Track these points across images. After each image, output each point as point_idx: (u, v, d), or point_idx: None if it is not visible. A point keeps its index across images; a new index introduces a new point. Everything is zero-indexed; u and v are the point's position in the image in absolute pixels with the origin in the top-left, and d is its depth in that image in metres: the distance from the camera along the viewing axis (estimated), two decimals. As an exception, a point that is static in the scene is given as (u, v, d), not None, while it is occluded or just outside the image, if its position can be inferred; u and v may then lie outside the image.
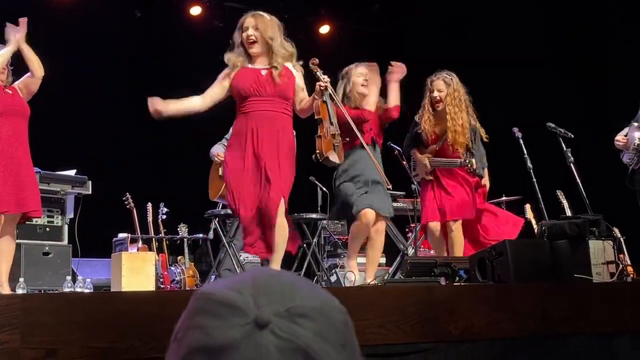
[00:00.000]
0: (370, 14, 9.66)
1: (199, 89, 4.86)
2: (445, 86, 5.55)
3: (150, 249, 6.77)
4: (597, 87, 8.33)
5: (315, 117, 4.66)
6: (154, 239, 7.07)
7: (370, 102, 5.30)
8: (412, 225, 7.13)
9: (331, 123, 4.60)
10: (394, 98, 5.35)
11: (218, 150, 6.22)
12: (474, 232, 5.67)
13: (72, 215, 6.22)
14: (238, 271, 6.03)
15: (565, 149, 5.72)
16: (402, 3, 9.34)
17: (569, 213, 6.49)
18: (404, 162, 6.81)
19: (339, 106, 4.88)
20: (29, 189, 4.81)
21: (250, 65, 4.52)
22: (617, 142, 6.06)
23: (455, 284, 4.27)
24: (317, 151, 4.68)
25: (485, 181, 5.76)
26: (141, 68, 8.44)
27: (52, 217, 6.13)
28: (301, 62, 4.64)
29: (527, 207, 7.10)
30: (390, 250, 7.30)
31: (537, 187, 5.67)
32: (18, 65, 5.06)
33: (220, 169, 5.97)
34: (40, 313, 2.58)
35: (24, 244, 5.74)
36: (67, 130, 7.85)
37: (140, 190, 7.15)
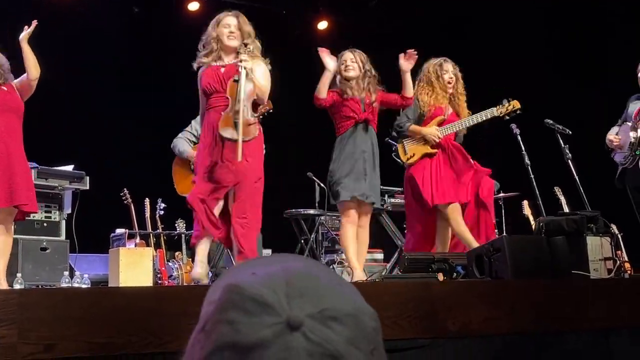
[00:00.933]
0: (369, 9, 9.64)
1: (196, 85, 4.88)
2: (453, 68, 5.71)
3: (147, 245, 6.77)
4: (597, 86, 8.32)
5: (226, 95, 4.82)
6: (151, 234, 7.06)
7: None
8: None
9: (238, 101, 4.68)
10: (409, 87, 5.42)
11: (185, 149, 6.29)
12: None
13: (69, 211, 6.22)
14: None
15: (563, 145, 5.72)
16: (402, 3, 9.33)
17: (566, 209, 6.49)
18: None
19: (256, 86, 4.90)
20: (22, 183, 4.81)
21: (214, 63, 4.82)
22: (611, 142, 6.08)
23: (453, 280, 4.28)
24: None
25: None
26: (138, 63, 8.44)
27: (50, 212, 6.12)
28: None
29: (525, 203, 7.09)
30: (388, 246, 7.31)
31: (534, 183, 5.67)
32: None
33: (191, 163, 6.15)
34: (38, 308, 2.58)
35: (22, 239, 5.74)
36: (65, 126, 7.84)
37: (138, 186, 7.15)
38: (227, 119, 4.75)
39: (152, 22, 8.73)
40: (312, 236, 6.70)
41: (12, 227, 4.97)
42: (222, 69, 4.81)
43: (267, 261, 0.80)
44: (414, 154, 5.62)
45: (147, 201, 7.22)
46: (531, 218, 6.89)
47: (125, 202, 7.09)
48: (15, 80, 5.04)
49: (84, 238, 6.14)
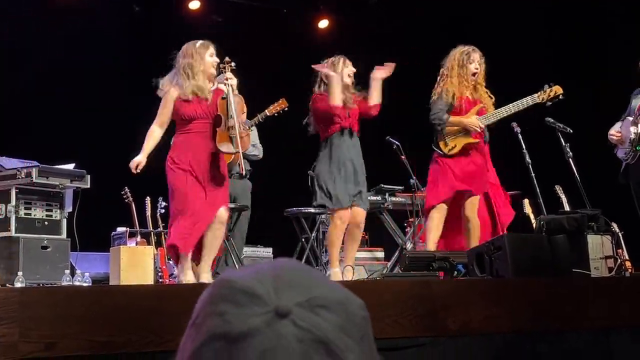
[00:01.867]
0: (369, 8, 9.63)
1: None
2: (480, 58, 5.66)
3: (148, 243, 6.78)
4: (597, 86, 8.32)
5: (217, 113, 4.99)
6: (152, 233, 7.07)
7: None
8: (410, 219, 7.14)
9: (230, 117, 4.89)
10: (377, 96, 5.44)
11: None
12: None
13: (70, 209, 6.21)
14: (237, 267, 6.04)
15: (564, 144, 5.72)
16: (402, 2, 9.32)
17: (567, 208, 6.49)
18: (403, 157, 6.82)
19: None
20: None
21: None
22: (612, 137, 6.07)
23: (453, 278, 4.28)
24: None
25: None
26: (139, 62, 8.43)
27: (51, 211, 6.11)
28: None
29: (526, 202, 7.09)
30: (389, 244, 7.30)
31: (535, 182, 5.67)
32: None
33: None
34: (39, 307, 2.58)
35: (23, 238, 5.74)
36: (66, 124, 7.84)
37: (139, 185, 7.15)
38: (222, 136, 4.92)
39: (152, 21, 8.74)
40: (313, 235, 6.69)
41: None
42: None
43: (261, 264, 0.82)
44: (455, 145, 5.56)
45: (148, 200, 7.22)
46: (532, 216, 6.88)
47: (126, 200, 7.09)
48: None
49: (85, 236, 6.13)
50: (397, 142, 6.81)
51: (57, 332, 2.57)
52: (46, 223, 6.01)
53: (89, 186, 6.26)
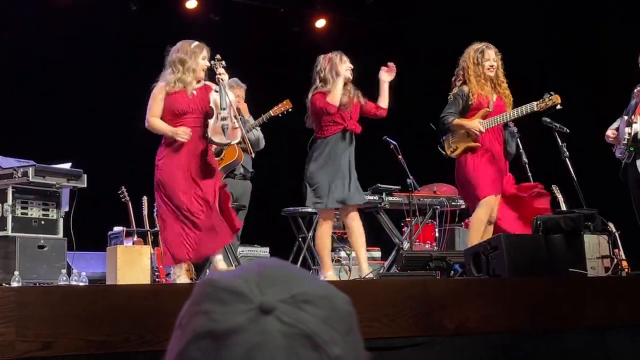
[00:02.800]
0: (367, 8, 9.63)
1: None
2: (495, 55, 5.59)
3: (145, 243, 6.76)
4: (595, 86, 8.33)
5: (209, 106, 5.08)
6: (149, 232, 7.05)
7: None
8: (407, 219, 7.14)
9: (222, 108, 4.98)
10: (385, 99, 5.47)
11: None
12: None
13: (67, 209, 6.21)
14: (234, 265, 6.04)
15: (560, 143, 5.72)
16: (401, 2, 9.32)
17: (564, 207, 6.50)
18: (400, 157, 6.83)
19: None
20: None
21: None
22: (608, 137, 6.10)
23: (450, 277, 4.28)
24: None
25: None
26: (136, 61, 8.43)
27: (47, 210, 6.11)
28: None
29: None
30: (386, 244, 7.31)
31: (532, 181, 5.67)
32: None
33: None
34: (35, 306, 2.58)
35: (19, 237, 5.73)
36: (63, 124, 7.83)
37: (136, 184, 7.14)
38: (215, 128, 4.99)
39: (150, 21, 8.74)
40: (310, 234, 6.70)
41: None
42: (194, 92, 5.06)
43: (247, 264, 0.83)
44: (456, 148, 5.56)
45: (144, 199, 7.21)
46: (529, 216, 6.89)
47: (122, 200, 7.08)
48: None
49: (81, 236, 6.13)
50: (394, 142, 6.82)
51: (54, 331, 2.57)
52: (43, 222, 6.00)
53: (85, 185, 6.26)
